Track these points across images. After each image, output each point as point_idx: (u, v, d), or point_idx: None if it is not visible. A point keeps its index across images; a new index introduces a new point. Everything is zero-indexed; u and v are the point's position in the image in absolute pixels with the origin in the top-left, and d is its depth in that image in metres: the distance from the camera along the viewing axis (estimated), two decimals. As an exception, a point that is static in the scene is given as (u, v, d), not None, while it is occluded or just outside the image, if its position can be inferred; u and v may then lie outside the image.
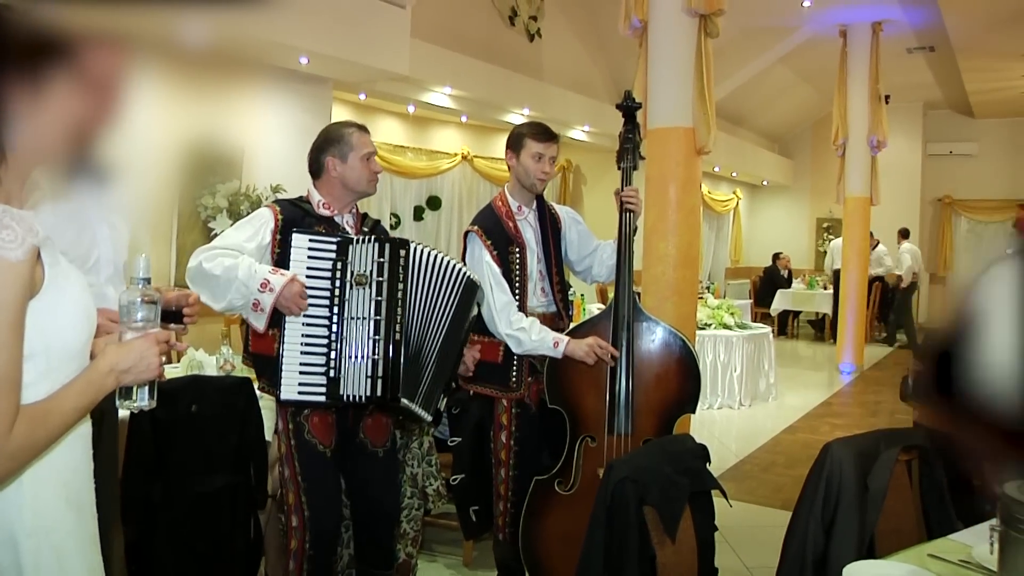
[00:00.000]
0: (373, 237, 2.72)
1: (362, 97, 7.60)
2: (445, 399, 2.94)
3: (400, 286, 2.66)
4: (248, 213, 5.34)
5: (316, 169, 2.84)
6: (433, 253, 2.74)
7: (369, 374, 2.62)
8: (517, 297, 3.12)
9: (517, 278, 3.14)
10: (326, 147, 2.82)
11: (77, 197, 2.19)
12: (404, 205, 8.94)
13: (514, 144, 3.19)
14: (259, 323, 2.64)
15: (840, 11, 9.54)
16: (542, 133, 3.18)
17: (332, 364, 2.64)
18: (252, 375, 3.51)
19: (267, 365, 2.69)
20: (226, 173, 5.82)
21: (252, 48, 5.53)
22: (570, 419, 3.10)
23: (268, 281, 2.57)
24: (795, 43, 10.28)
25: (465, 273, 2.81)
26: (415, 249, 2.71)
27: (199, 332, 2.60)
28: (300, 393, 2.64)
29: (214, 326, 4.02)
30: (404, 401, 2.66)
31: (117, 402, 1.47)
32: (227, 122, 5.91)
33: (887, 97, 10.09)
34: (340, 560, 2.91)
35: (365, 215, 2.95)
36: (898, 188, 13.51)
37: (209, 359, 3.69)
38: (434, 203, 9.30)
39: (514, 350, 3.09)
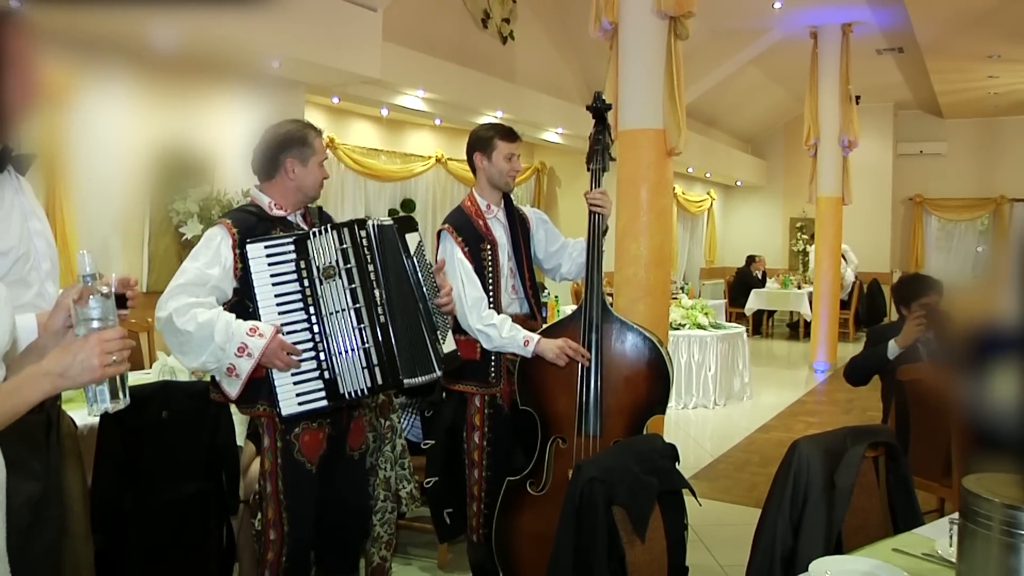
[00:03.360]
0: (329, 226, 2.57)
1: (335, 100, 7.58)
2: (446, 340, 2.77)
3: (370, 267, 2.55)
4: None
5: (271, 169, 2.70)
6: (388, 224, 2.64)
7: (364, 364, 2.52)
8: (490, 294, 3.14)
9: (490, 275, 3.15)
10: (288, 147, 2.68)
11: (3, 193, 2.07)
12: (378, 208, 8.91)
13: (483, 146, 3.21)
14: (232, 389, 2.50)
15: (810, 13, 9.63)
16: (510, 133, 3.23)
17: (324, 365, 2.51)
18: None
19: (259, 388, 2.52)
20: (198, 178, 5.78)
21: (223, 52, 5.49)
22: (541, 421, 3.11)
23: (246, 345, 2.41)
24: (766, 45, 10.36)
25: (403, 223, 2.68)
26: (374, 226, 2.60)
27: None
28: (301, 404, 2.50)
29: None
30: (407, 381, 2.57)
31: (87, 409, 1.45)
32: (199, 126, 5.86)
33: (858, 98, 10.20)
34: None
35: (309, 209, 2.82)
36: (870, 187, 13.66)
37: (181, 364, 3.66)
38: (408, 206, 9.28)
39: (484, 346, 3.09)
